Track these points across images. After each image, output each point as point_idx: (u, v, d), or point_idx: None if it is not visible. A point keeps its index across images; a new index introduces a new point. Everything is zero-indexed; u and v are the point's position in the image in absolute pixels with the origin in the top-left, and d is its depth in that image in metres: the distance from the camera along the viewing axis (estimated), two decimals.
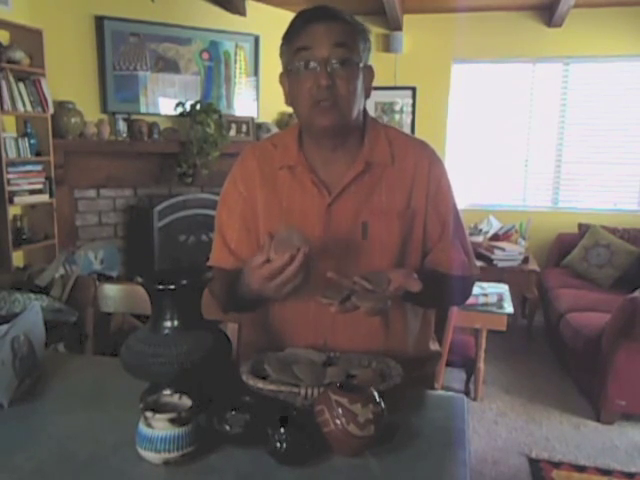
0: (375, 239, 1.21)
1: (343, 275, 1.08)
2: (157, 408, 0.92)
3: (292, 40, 1.17)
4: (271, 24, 4.31)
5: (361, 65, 1.17)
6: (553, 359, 3.60)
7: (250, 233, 1.28)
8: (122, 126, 3.84)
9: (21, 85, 3.29)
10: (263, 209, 1.26)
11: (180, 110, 4.01)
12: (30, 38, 3.34)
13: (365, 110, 1.27)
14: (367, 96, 1.23)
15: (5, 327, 1.12)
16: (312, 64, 1.13)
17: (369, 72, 1.22)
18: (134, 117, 3.92)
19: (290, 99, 1.21)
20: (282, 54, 1.21)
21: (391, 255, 1.22)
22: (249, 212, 1.28)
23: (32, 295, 2.09)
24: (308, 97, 1.15)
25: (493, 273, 3.66)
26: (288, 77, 1.20)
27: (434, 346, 1.41)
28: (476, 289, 2.87)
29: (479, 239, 4.07)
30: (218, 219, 1.33)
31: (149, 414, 0.89)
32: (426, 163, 1.25)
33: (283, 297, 1.09)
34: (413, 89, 4.71)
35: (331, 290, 1.08)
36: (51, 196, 3.52)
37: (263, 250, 1.05)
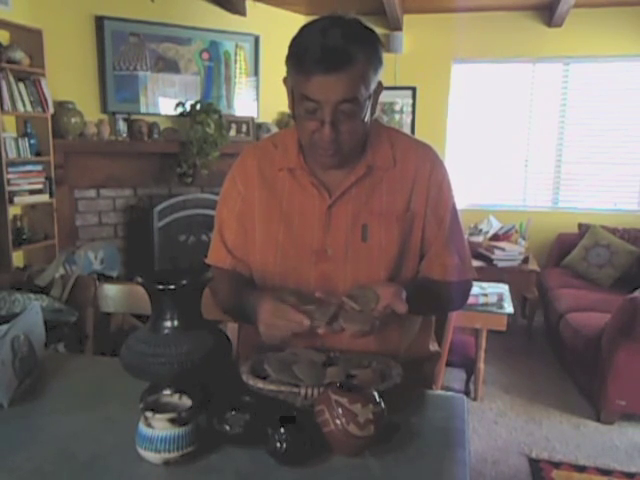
0: (374, 242, 1.21)
1: (331, 292, 1.12)
2: (157, 408, 0.92)
3: (298, 79, 1.08)
4: (271, 24, 4.32)
5: (371, 96, 1.11)
6: (553, 359, 3.60)
7: (247, 233, 1.28)
8: (122, 126, 3.85)
9: (21, 85, 3.29)
10: (261, 210, 1.26)
11: (180, 110, 4.01)
12: (30, 38, 3.34)
13: None
14: (373, 113, 1.17)
15: (5, 327, 1.12)
16: (317, 114, 1.09)
17: (378, 88, 1.15)
18: (134, 117, 3.92)
19: (293, 115, 1.16)
20: (288, 71, 1.13)
21: (390, 258, 1.21)
22: (247, 212, 1.27)
23: (32, 295, 2.08)
24: (310, 137, 1.13)
25: (493, 273, 3.66)
26: (293, 104, 1.14)
27: (433, 347, 1.41)
28: (476, 289, 2.87)
29: (479, 239, 4.08)
30: (218, 217, 1.33)
31: (149, 414, 0.89)
32: (427, 166, 1.24)
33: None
34: (413, 89, 4.71)
35: (319, 311, 1.08)
36: (51, 196, 3.52)
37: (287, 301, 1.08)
